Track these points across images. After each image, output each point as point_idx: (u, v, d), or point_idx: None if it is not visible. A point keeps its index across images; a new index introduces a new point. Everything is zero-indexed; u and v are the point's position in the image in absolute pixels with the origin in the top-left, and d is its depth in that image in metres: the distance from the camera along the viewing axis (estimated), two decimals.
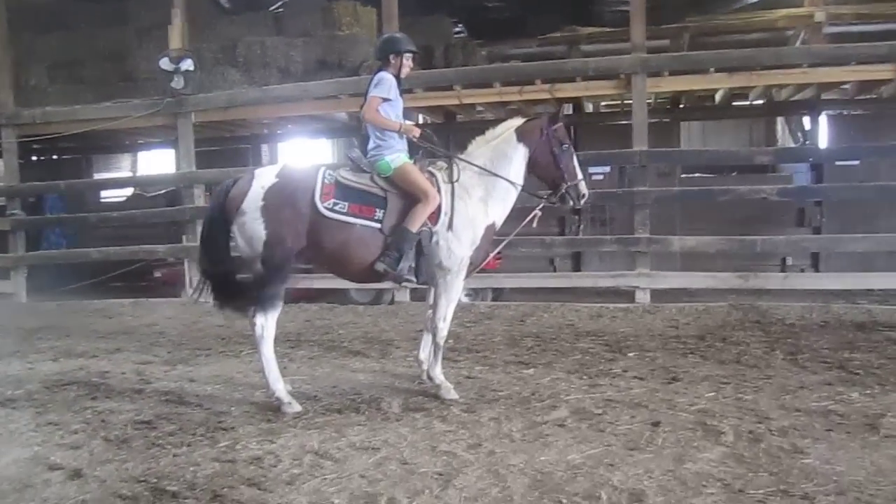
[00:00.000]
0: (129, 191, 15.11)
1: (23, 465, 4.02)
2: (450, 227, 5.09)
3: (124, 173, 19.31)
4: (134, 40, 11.55)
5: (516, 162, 5.30)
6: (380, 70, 5.32)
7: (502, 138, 5.36)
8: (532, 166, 5.35)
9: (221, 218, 5.07)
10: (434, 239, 5.07)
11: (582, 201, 5.42)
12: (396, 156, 5.17)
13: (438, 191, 5.10)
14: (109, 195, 15.27)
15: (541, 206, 5.58)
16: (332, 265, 5.26)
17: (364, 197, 5.05)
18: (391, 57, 5.30)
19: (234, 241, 5.07)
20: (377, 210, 5.03)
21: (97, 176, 16.47)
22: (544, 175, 5.41)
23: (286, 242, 4.93)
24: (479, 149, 5.37)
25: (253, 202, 4.92)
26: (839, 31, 12.50)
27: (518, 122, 5.44)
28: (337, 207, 4.95)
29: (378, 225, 5.01)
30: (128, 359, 6.71)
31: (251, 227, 4.92)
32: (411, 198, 5.06)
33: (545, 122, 5.35)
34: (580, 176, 5.39)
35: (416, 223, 4.98)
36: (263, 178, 5.02)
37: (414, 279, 5.16)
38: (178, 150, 10.93)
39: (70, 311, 9.73)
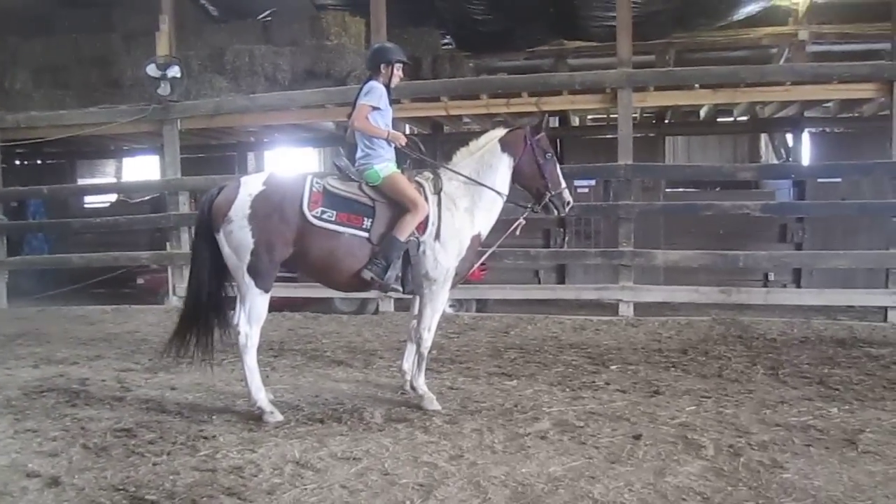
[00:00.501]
0: (112, 197, 15.03)
1: (0, 473, 3.97)
2: (437, 237, 5.10)
3: (109, 179, 19.21)
4: (120, 46, 11.53)
5: (501, 172, 5.33)
6: (370, 79, 5.33)
7: (486, 149, 5.38)
8: (516, 176, 5.39)
9: (207, 226, 5.03)
10: (421, 249, 5.08)
11: (566, 209, 5.47)
12: (385, 165, 5.18)
13: (426, 201, 5.12)
14: (93, 201, 15.19)
15: (525, 214, 5.61)
16: (319, 273, 5.24)
17: (352, 206, 5.04)
18: (382, 66, 5.32)
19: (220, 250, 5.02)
20: (365, 219, 5.02)
21: (81, 181, 16.36)
22: (529, 184, 5.44)
23: (273, 251, 4.91)
24: (465, 160, 5.39)
25: (240, 210, 4.89)
26: (822, 49, 12.71)
27: (501, 132, 5.47)
28: (325, 216, 4.94)
29: (366, 234, 5.01)
30: (108, 366, 6.65)
31: (238, 236, 4.88)
32: (399, 207, 5.06)
33: (528, 131, 5.39)
34: (564, 184, 5.44)
35: (404, 232, 4.99)
36: (250, 186, 4.99)
37: (400, 288, 5.16)
38: (164, 156, 10.87)
39: (51, 317, 9.63)
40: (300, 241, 4.94)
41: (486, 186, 5.29)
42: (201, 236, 5.10)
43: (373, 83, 5.26)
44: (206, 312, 5.08)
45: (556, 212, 5.48)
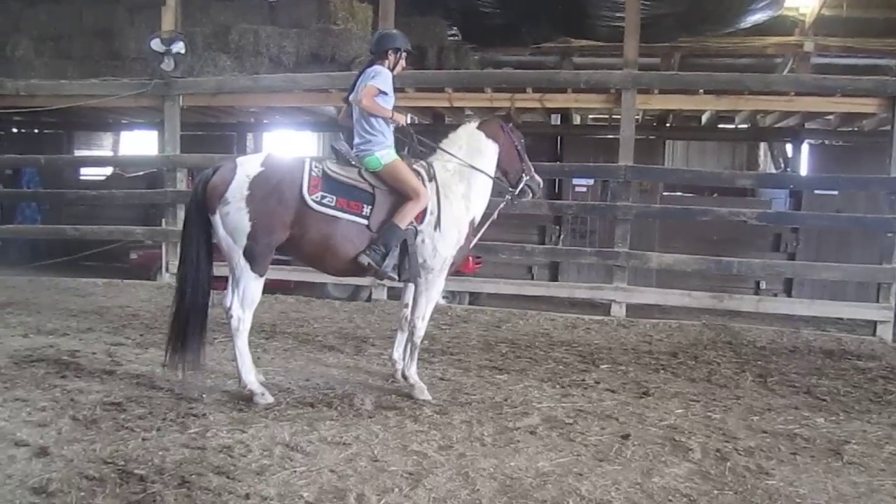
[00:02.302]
0: (108, 170, 14.96)
1: None
2: (437, 226, 5.13)
3: (105, 152, 19.12)
4: (125, 18, 11.42)
5: (489, 157, 5.47)
6: (372, 64, 5.30)
7: (473, 137, 5.48)
8: (500, 161, 5.54)
9: (201, 207, 4.96)
10: (419, 237, 5.10)
11: (539, 191, 5.78)
12: (386, 151, 5.17)
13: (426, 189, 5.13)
14: (88, 173, 15.11)
15: (506, 199, 5.77)
16: (314, 258, 5.22)
17: (352, 192, 5.03)
18: (389, 52, 5.31)
19: (213, 232, 4.96)
20: (364, 206, 5.02)
21: (78, 153, 16.27)
22: (509, 168, 5.62)
23: (271, 234, 4.88)
24: (453, 147, 5.44)
25: (237, 191, 4.83)
26: (826, 62, 12.76)
27: (476, 122, 5.61)
28: (325, 201, 4.92)
29: (365, 221, 5.00)
30: (99, 339, 6.63)
31: (235, 218, 4.83)
32: (399, 195, 5.06)
33: (503, 121, 5.66)
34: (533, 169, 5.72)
35: (404, 220, 5.00)
36: (248, 167, 4.93)
37: (396, 276, 5.16)
38: (163, 132, 10.81)
39: (41, 288, 9.58)
40: (298, 226, 4.92)
41: (481, 171, 5.38)
42: (194, 216, 5.01)
43: (380, 68, 5.23)
44: (202, 293, 5.00)
45: (531, 195, 5.71)
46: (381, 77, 5.16)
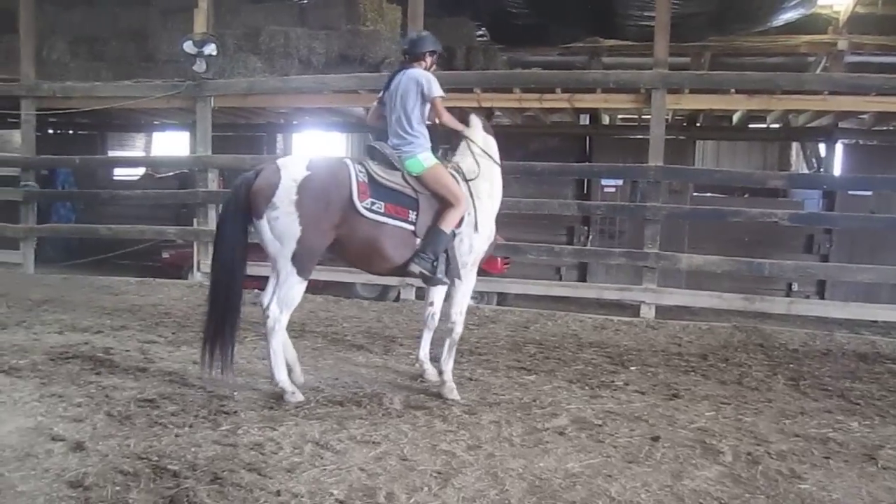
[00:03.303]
0: (140, 170, 15.18)
1: (25, 435, 4.04)
2: (475, 227, 5.21)
3: (138, 153, 19.40)
4: (158, 21, 11.58)
5: (496, 152, 5.60)
6: (410, 66, 5.33)
7: (486, 132, 5.58)
8: None
9: (241, 210, 4.89)
10: (458, 238, 5.16)
11: None
12: (427, 154, 5.20)
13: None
14: (121, 173, 15.34)
15: None
16: (358, 261, 5.24)
17: (399, 197, 5.03)
18: (427, 55, 5.37)
19: (259, 236, 4.90)
20: (410, 212, 5.03)
21: (111, 153, 16.53)
22: None
23: (320, 239, 4.86)
24: (476, 144, 5.48)
25: (286, 196, 4.76)
26: (860, 60, 12.55)
27: (479, 119, 5.64)
28: (374, 207, 4.91)
29: (412, 227, 5.02)
30: (132, 337, 6.73)
31: (284, 223, 4.77)
32: (440, 199, 5.09)
33: (485, 119, 5.76)
34: None
35: (449, 226, 5.04)
36: (293, 170, 4.85)
37: (448, 281, 5.19)
38: (195, 133, 10.95)
39: (76, 286, 9.75)
40: (345, 230, 4.91)
41: (498, 164, 5.55)
42: (232, 219, 4.95)
43: (428, 73, 5.28)
44: (236, 295, 4.99)
45: None
46: (437, 84, 5.22)
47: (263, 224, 4.84)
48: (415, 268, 5.02)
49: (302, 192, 4.79)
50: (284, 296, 4.92)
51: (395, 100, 5.26)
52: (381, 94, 5.43)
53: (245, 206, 4.88)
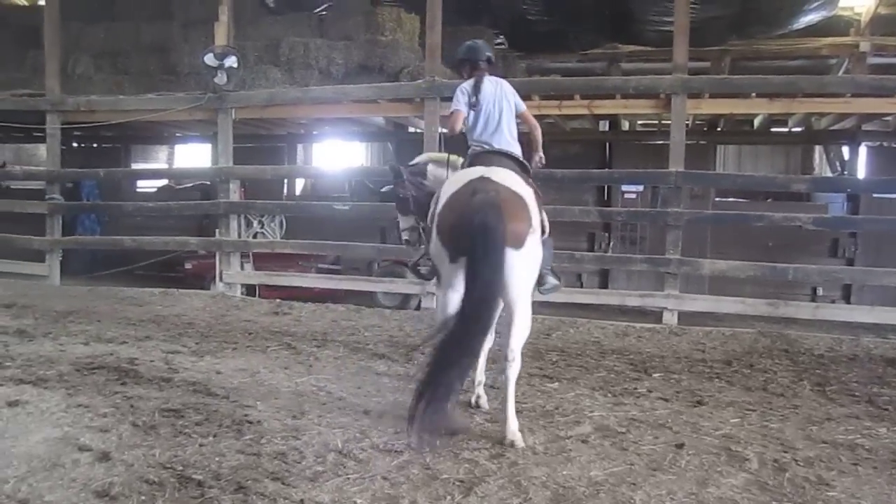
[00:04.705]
0: (160, 182, 15.35)
1: (52, 445, 4.10)
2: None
3: (161, 165, 19.61)
4: (179, 34, 11.73)
5: None
6: (489, 74, 5.28)
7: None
8: None
9: (494, 240, 4.12)
10: None
11: None
12: None
13: None
14: (145, 185, 15.51)
15: None
16: None
17: None
18: (482, 63, 5.34)
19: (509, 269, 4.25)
20: None
21: (134, 166, 16.72)
22: None
23: None
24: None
25: (535, 216, 4.48)
26: (883, 62, 12.40)
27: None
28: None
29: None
30: (156, 347, 6.80)
31: (538, 247, 4.49)
32: None
33: None
34: None
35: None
36: (520, 188, 4.51)
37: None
38: (216, 144, 11.06)
39: (101, 297, 9.87)
40: None
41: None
42: (497, 250, 4.14)
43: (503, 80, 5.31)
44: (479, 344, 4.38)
45: None
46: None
47: (522, 254, 4.32)
48: (554, 280, 5.04)
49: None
50: (526, 329, 4.54)
51: (496, 105, 5.11)
52: (468, 100, 5.10)
53: (505, 234, 4.18)
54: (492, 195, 4.24)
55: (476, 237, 4.08)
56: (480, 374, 5.26)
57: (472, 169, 4.73)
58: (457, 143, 5.57)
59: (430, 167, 5.63)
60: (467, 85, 5.19)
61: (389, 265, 10.53)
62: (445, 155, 5.57)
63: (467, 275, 4.11)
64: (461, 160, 5.37)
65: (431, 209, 4.80)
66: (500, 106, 5.13)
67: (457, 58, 5.54)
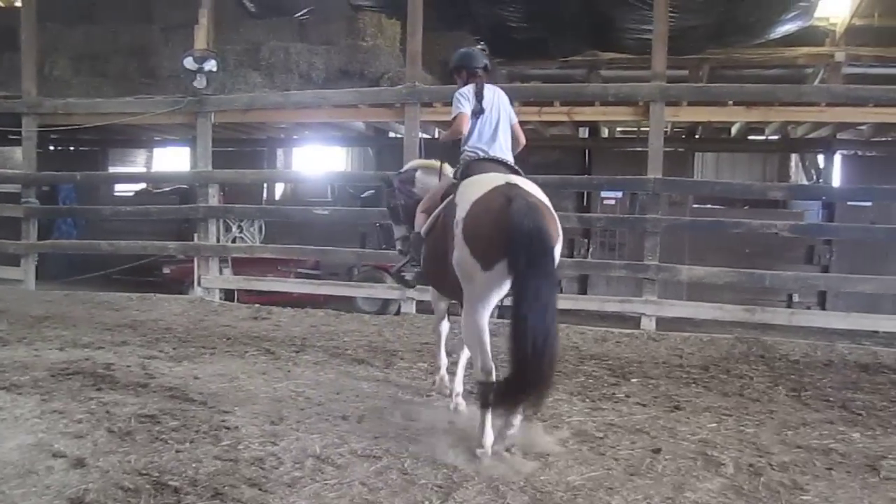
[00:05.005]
0: (138, 186, 15.24)
1: (26, 451, 4.05)
2: None
3: (139, 168, 19.46)
4: (159, 38, 11.64)
5: None
6: (488, 82, 5.25)
7: None
8: None
9: (544, 245, 4.06)
10: None
11: None
12: None
13: None
14: (123, 189, 15.40)
15: None
16: None
17: None
18: (479, 70, 5.31)
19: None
20: None
21: (112, 169, 16.58)
22: None
23: None
24: None
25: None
26: (858, 71, 12.59)
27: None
28: None
29: None
30: (133, 352, 6.74)
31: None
32: None
33: None
34: None
35: None
36: (545, 197, 4.51)
37: None
38: (195, 148, 11.00)
39: (77, 302, 9.76)
40: None
41: None
42: (545, 255, 4.04)
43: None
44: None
45: None
46: None
47: (556, 253, 4.27)
48: None
49: None
50: None
51: (494, 113, 5.12)
52: (473, 105, 5.06)
53: (555, 238, 4.24)
54: (532, 200, 4.20)
55: (532, 241, 3.97)
56: (459, 384, 5.25)
57: (490, 175, 4.60)
58: (438, 150, 5.59)
59: (418, 174, 5.63)
60: (468, 90, 5.12)
61: (369, 270, 10.52)
62: (435, 162, 5.52)
63: (524, 280, 3.96)
64: (445, 165, 5.36)
65: (437, 216, 4.75)
66: (499, 114, 5.12)
67: (452, 65, 5.46)
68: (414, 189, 5.58)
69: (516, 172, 4.96)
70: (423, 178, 5.57)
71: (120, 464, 3.90)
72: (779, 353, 7.73)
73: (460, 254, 4.25)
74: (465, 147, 5.09)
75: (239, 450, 4.17)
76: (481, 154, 5.00)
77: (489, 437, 4.22)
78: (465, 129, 5.02)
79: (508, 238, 4.00)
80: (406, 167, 5.79)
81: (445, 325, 5.62)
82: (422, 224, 5.12)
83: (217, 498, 3.52)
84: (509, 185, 4.35)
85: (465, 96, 5.08)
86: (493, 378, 4.21)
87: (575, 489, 3.78)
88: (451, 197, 4.64)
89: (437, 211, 4.86)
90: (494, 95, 5.18)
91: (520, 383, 3.96)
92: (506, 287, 4.17)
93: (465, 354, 5.16)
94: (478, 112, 5.06)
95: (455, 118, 5.06)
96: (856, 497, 3.87)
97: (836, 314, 9.46)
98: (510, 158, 5.09)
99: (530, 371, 3.91)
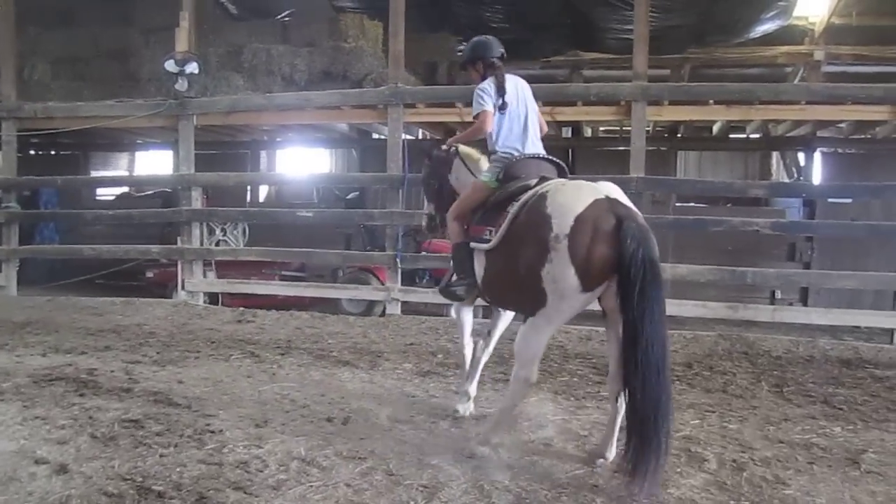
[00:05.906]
0: (119, 190, 15.15)
1: (8, 458, 4.02)
2: None
3: (121, 172, 19.34)
4: (139, 41, 11.58)
5: None
6: (508, 72, 4.99)
7: None
8: None
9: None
10: None
11: None
12: None
13: None
14: (105, 193, 15.30)
15: None
16: None
17: None
18: (497, 60, 5.05)
19: None
20: None
21: (94, 173, 16.47)
22: None
23: None
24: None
25: None
26: (837, 70, 12.73)
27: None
28: None
29: None
30: (117, 357, 6.70)
31: None
32: None
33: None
34: None
35: None
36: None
37: None
38: (178, 151, 10.95)
39: (60, 307, 9.69)
40: None
41: None
42: (657, 287, 3.90)
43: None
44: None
45: None
46: None
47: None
48: None
49: None
50: None
51: (521, 106, 4.91)
52: (496, 102, 4.81)
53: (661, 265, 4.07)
54: (641, 222, 3.98)
55: (646, 272, 3.81)
56: (474, 388, 5.27)
57: (578, 183, 4.38)
58: (421, 150, 5.57)
59: (456, 162, 5.26)
60: (488, 85, 4.84)
61: (354, 272, 10.50)
62: (475, 153, 5.20)
63: (637, 307, 3.81)
64: (482, 160, 5.08)
65: (511, 221, 4.36)
66: (526, 107, 4.91)
67: (465, 57, 5.24)
68: (449, 175, 5.29)
69: (557, 165, 4.83)
70: (459, 168, 5.22)
71: (103, 469, 3.88)
72: (761, 350, 7.80)
73: (561, 271, 3.94)
74: (497, 147, 4.85)
75: (223, 453, 4.16)
76: (517, 154, 4.78)
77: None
78: (489, 128, 4.79)
79: (623, 267, 3.83)
80: (450, 142, 5.38)
81: (472, 341, 5.40)
82: (456, 233, 4.91)
83: (202, 502, 3.51)
84: (609, 199, 4.05)
85: (486, 92, 4.81)
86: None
87: (560, 487, 3.80)
88: (524, 202, 4.32)
89: (509, 216, 4.38)
90: (517, 86, 4.93)
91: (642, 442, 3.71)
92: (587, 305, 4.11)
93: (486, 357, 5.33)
94: (501, 107, 4.81)
95: (477, 116, 4.82)
96: (837, 490, 3.91)
97: (817, 310, 9.54)
98: (543, 151, 4.89)
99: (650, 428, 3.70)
